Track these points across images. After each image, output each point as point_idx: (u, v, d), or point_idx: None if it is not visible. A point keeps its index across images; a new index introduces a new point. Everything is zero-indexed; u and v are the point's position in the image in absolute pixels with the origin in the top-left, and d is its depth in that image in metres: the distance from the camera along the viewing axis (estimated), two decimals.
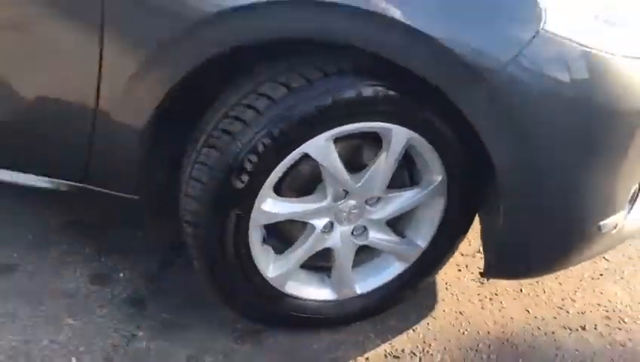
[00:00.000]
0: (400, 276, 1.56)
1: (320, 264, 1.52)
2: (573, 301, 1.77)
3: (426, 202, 1.47)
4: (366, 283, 1.56)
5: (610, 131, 1.28)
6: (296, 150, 1.28)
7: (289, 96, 1.24)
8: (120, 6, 1.19)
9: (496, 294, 1.74)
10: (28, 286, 1.57)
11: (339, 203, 1.41)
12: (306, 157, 1.32)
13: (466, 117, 1.25)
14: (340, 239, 1.46)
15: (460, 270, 1.81)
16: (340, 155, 1.33)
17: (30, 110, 1.34)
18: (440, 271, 1.63)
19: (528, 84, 1.19)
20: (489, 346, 1.60)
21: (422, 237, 1.52)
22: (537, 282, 1.80)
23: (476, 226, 1.55)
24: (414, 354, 1.55)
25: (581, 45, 1.20)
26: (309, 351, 1.52)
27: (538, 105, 1.22)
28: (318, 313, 1.54)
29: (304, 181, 1.40)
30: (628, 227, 1.51)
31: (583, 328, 1.68)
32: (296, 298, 1.50)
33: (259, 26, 1.18)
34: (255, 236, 1.38)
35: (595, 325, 1.70)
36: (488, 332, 1.63)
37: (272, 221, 1.39)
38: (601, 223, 1.40)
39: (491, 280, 1.76)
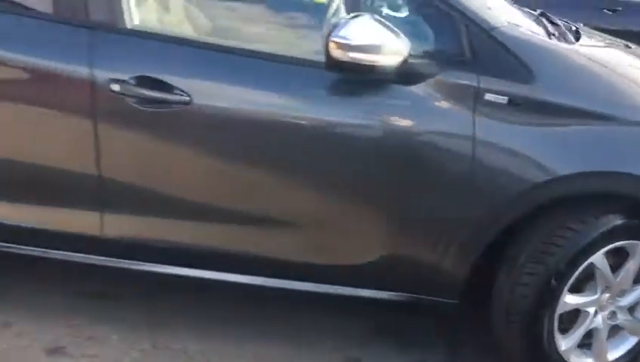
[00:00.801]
0: (634, 347, 2.25)
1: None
2: None
3: None
4: (613, 352, 2.23)
5: None
6: (588, 260, 2.02)
7: (585, 228, 1.99)
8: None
9: None
10: None
11: (602, 295, 2.12)
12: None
13: None
14: (601, 321, 2.15)
15: None
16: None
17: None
18: None
19: None
20: None
21: None
22: None
23: None
24: None
25: None
26: None
27: None
28: None
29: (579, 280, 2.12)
30: None
31: None
32: None
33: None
34: (556, 323, 2.08)
35: None
36: None
37: (566, 310, 2.09)
38: None
39: None
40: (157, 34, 2.09)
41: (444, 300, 2.14)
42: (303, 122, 2.00)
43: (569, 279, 2.02)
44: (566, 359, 2.13)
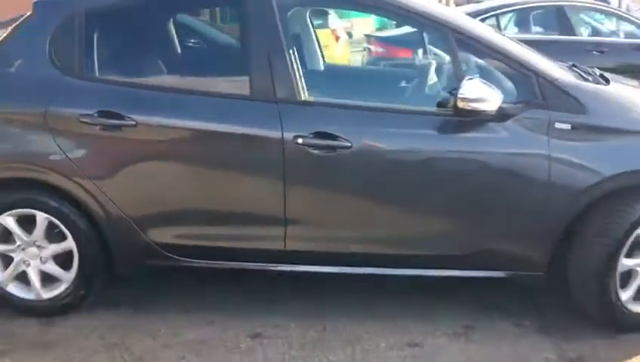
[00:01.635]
0: None
1: None
2: None
3: None
4: None
5: None
6: (635, 232, 2.89)
7: (632, 210, 2.87)
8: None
9: None
10: None
11: None
12: None
13: None
14: None
15: None
16: None
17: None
18: None
19: None
20: None
21: None
22: None
23: None
24: None
25: None
26: None
27: None
28: None
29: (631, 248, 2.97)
30: None
31: None
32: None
33: None
34: (617, 280, 2.94)
35: None
36: None
37: (623, 270, 2.95)
38: None
39: None
40: (323, 102, 3.01)
41: (535, 273, 3.01)
42: (435, 156, 2.93)
43: (624, 247, 2.89)
44: (626, 307, 2.98)
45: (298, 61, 3.04)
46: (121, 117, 2.96)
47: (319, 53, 4.16)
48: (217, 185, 3.03)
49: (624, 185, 2.89)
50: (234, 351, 2.91)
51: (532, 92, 2.89)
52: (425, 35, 4.09)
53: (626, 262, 2.93)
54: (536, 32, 8.37)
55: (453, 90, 2.80)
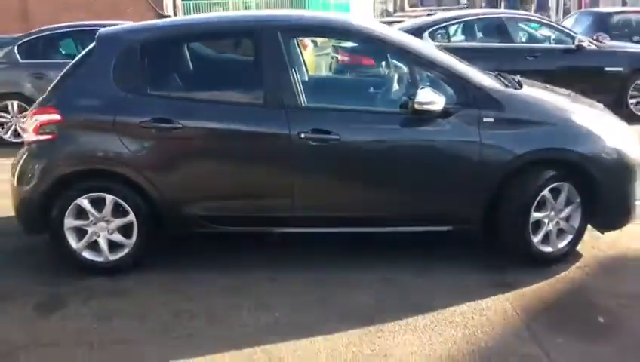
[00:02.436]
0: (571, 240, 4.31)
1: None
2: None
3: None
4: (560, 243, 4.28)
5: None
6: (540, 193, 4.09)
7: (539, 177, 4.08)
8: None
9: None
10: None
11: (550, 212, 4.19)
12: None
13: None
14: (551, 226, 4.21)
15: None
16: None
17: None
18: None
19: None
20: None
21: None
22: None
23: None
24: None
25: None
26: None
27: None
28: None
29: (539, 204, 4.17)
30: None
31: None
32: None
33: None
34: (530, 227, 4.13)
35: None
36: None
37: (533, 220, 4.14)
38: None
39: None
40: (317, 107, 4.14)
41: (473, 226, 4.20)
42: (399, 143, 4.10)
43: (533, 203, 4.08)
44: (537, 247, 4.17)
45: (297, 77, 4.17)
46: (170, 122, 4.05)
47: (305, 68, 5.30)
48: (242, 170, 4.15)
49: (531, 160, 4.09)
50: (258, 290, 4.02)
51: (466, 96, 4.08)
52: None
53: (536, 215, 4.13)
54: (480, 40, 9.66)
55: (411, 96, 3.98)
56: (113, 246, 4.25)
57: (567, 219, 4.23)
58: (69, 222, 4.17)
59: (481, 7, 41.16)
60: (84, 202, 4.15)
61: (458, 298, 3.83)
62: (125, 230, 4.22)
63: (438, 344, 3.38)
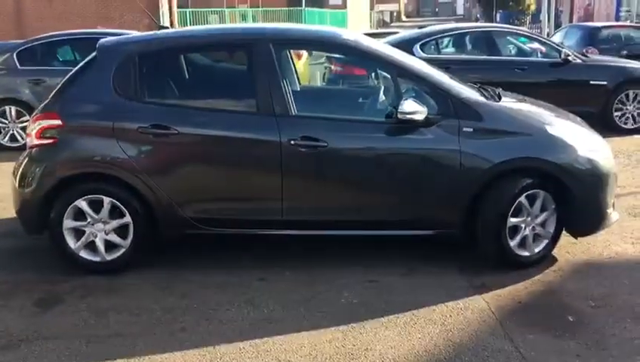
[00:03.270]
0: (546, 246, 4.53)
1: None
2: None
3: None
4: (537, 248, 4.50)
5: None
6: (517, 200, 4.31)
7: (514, 185, 4.31)
8: None
9: None
10: None
11: (521, 217, 4.42)
12: None
13: None
14: (528, 231, 4.43)
15: None
16: None
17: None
18: None
19: None
20: None
21: None
22: None
23: None
24: None
25: None
26: None
27: None
28: None
29: (515, 210, 4.40)
30: None
31: None
32: None
33: None
34: (507, 232, 4.34)
35: None
36: None
37: (511, 225, 4.36)
38: None
39: None
40: (307, 115, 4.37)
41: (452, 231, 4.42)
42: (384, 151, 4.32)
43: (510, 209, 4.30)
44: (514, 251, 4.39)
45: (288, 87, 4.39)
46: (167, 128, 4.27)
47: (297, 78, 5.53)
48: (234, 175, 4.37)
49: (508, 168, 4.31)
50: (248, 288, 4.22)
51: (447, 107, 4.32)
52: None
53: (513, 220, 4.35)
54: (470, 52, 9.93)
55: (396, 106, 4.21)
56: (110, 246, 4.45)
57: (542, 224, 4.45)
58: (68, 222, 4.37)
59: (476, 19, 41.77)
60: (82, 204, 4.35)
61: (438, 298, 4.05)
62: (121, 231, 4.42)
63: (416, 339, 3.59)
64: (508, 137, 4.32)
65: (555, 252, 4.59)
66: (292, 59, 5.51)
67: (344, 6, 34.04)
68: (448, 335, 3.63)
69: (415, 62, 4.76)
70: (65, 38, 9.74)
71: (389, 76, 4.67)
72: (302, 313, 3.90)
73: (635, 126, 9.20)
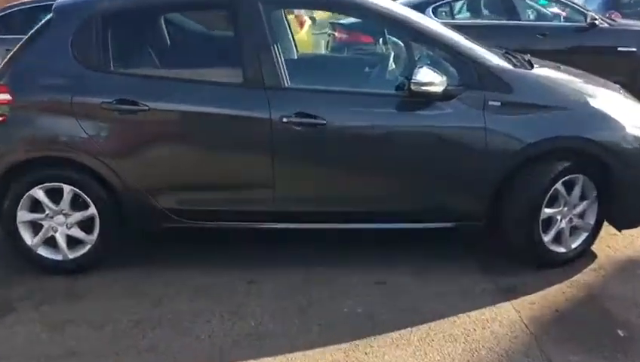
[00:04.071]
0: (586, 239, 3.84)
1: None
2: None
3: None
4: (574, 243, 3.82)
5: None
6: (554, 186, 3.62)
7: (550, 168, 3.61)
8: None
9: None
10: None
11: (564, 208, 3.72)
12: None
13: None
14: (564, 224, 3.75)
15: None
16: None
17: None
18: None
19: None
20: None
21: None
22: None
23: None
24: None
25: None
26: None
27: None
28: None
29: (550, 199, 3.71)
30: None
31: None
32: None
33: None
34: (540, 225, 3.66)
35: None
36: None
37: (544, 217, 3.68)
38: None
39: None
40: (302, 88, 3.65)
41: (476, 223, 3.73)
42: (394, 130, 3.61)
43: (544, 198, 3.62)
44: (547, 247, 3.72)
45: (281, 54, 3.67)
46: (136, 103, 3.57)
47: (293, 45, 4.80)
48: (217, 158, 3.68)
49: (542, 149, 3.61)
50: (233, 293, 3.57)
51: (470, 76, 3.59)
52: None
53: (547, 211, 3.67)
54: (486, 17, 9.12)
55: (408, 76, 3.49)
56: (73, 242, 3.79)
57: (581, 215, 3.78)
58: (23, 215, 3.72)
59: None
60: (38, 193, 3.69)
61: (459, 306, 3.38)
62: (86, 225, 3.77)
63: None
64: (542, 112, 3.60)
65: (594, 246, 3.92)
66: (288, 21, 4.76)
67: None
68: (473, 357, 2.97)
69: (431, 23, 4.03)
70: (48, 4, 8.99)
71: (400, 40, 3.95)
72: (296, 325, 3.24)
73: None
